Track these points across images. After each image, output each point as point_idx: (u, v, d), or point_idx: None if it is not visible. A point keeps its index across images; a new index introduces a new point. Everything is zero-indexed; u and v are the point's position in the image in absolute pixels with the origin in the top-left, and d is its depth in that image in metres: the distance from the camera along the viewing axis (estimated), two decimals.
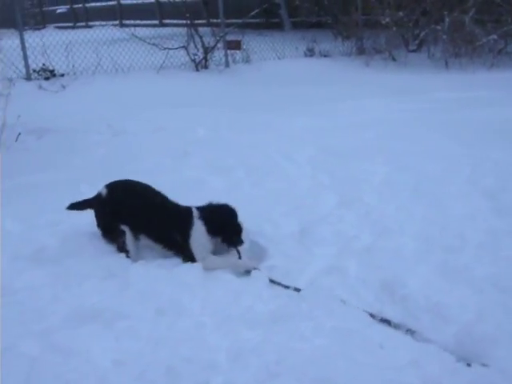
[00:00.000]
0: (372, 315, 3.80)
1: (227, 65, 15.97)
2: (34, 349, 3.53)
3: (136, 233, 4.85)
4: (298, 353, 3.45)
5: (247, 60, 16.44)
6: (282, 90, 12.59)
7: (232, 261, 4.62)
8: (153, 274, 4.40)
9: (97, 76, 13.72)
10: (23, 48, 13.47)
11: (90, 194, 5.14)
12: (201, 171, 6.78)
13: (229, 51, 16.21)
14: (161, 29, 20.97)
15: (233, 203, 4.77)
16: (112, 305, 4.00)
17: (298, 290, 4.18)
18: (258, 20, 20.47)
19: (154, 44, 15.36)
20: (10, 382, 3.24)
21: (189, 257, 4.60)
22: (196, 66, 15.29)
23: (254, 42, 17.14)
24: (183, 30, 16.37)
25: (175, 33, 16.95)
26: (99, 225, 4.96)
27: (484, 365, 3.30)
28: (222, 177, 6.54)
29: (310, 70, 15.20)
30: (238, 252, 4.65)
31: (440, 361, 3.33)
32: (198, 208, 4.70)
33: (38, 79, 13.20)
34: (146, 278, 4.34)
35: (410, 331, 3.63)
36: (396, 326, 3.69)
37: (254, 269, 4.46)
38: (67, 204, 5.12)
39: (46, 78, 13.31)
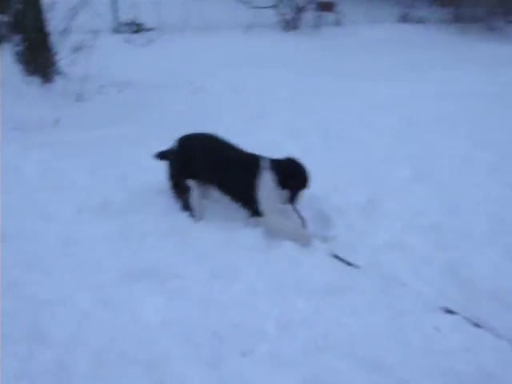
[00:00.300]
0: (440, 307, 3.58)
1: (317, 27, 15.60)
2: (86, 302, 3.58)
3: (205, 185, 4.82)
4: (348, 328, 3.37)
5: (338, 23, 16.05)
6: (370, 56, 12.26)
7: (295, 227, 4.51)
8: (213, 236, 4.39)
9: (184, 32, 13.69)
10: (113, 0, 13.58)
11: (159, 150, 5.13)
12: (276, 134, 6.71)
13: (320, 13, 15.84)
14: None
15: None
16: (169, 263, 4.01)
17: (358, 267, 4.04)
18: None
19: (243, 2, 15.20)
20: (58, 333, 3.29)
21: (255, 210, 4.51)
22: (285, 27, 15.08)
23: (346, 5, 16.71)
24: None
25: None
26: (170, 178, 4.95)
27: None
28: (296, 140, 6.45)
29: (402, 36, 14.73)
30: (303, 220, 4.55)
31: (495, 349, 3.17)
32: (270, 159, 4.58)
33: (126, 32, 13.30)
34: (205, 239, 4.34)
35: (477, 325, 3.41)
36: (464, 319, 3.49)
37: (312, 241, 4.35)
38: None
39: (134, 32, 13.40)
